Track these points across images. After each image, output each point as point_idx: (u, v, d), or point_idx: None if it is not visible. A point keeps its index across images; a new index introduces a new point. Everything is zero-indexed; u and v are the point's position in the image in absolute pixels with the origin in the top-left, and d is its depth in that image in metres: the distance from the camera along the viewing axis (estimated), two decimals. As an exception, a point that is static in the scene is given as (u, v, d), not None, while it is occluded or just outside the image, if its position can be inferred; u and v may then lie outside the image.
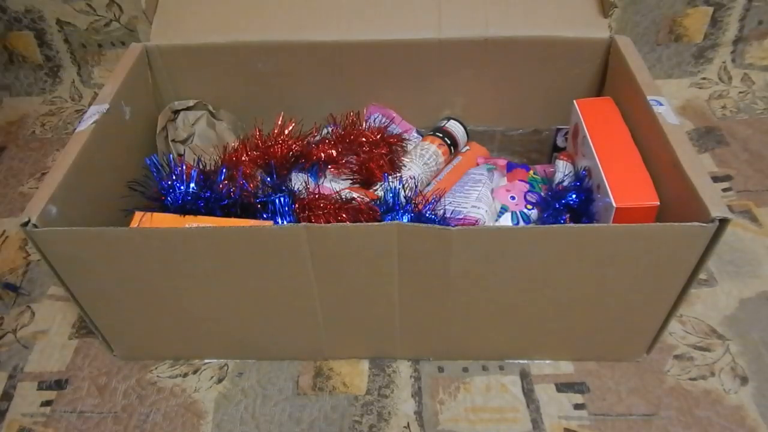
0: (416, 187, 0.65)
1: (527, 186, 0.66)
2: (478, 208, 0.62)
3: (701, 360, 0.60)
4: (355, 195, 0.58)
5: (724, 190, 0.79)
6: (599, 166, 0.56)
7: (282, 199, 0.56)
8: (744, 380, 0.58)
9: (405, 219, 0.54)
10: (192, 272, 0.52)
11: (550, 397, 0.58)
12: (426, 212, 0.56)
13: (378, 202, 0.56)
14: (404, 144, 0.69)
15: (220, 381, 0.61)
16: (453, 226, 0.47)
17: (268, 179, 0.59)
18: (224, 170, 0.58)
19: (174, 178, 0.56)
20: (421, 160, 0.68)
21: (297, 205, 0.57)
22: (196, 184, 0.57)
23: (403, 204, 0.55)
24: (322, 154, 0.64)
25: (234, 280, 0.53)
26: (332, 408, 0.58)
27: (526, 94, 0.72)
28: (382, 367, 0.62)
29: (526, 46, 0.68)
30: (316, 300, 0.54)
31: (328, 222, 0.55)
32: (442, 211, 0.58)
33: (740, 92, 0.93)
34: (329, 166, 0.65)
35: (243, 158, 0.62)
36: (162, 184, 0.57)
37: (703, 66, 0.95)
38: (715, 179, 0.80)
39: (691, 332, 0.63)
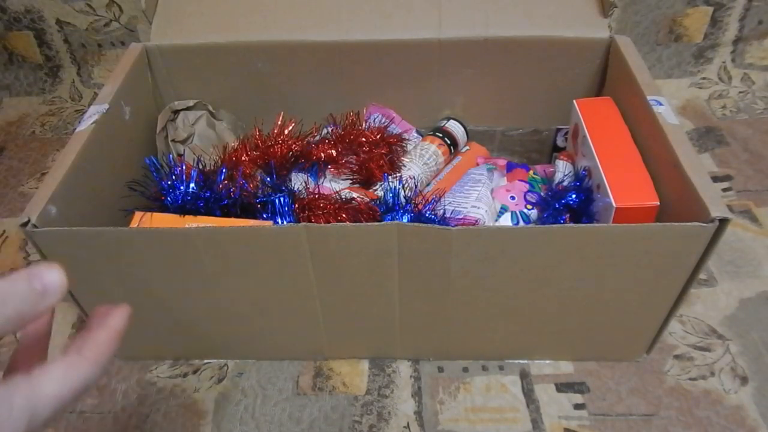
0: (416, 187, 0.65)
1: (527, 186, 0.66)
2: (478, 208, 0.62)
3: (701, 360, 0.60)
4: (355, 195, 0.58)
5: (724, 190, 0.79)
6: (599, 166, 0.56)
7: (282, 199, 0.56)
8: (744, 380, 0.58)
9: (405, 219, 0.54)
10: (192, 272, 0.52)
11: (550, 397, 0.58)
12: (426, 212, 0.56)
13: (378, 202, 0.56)
14: (404, 144, 0.69)
15: (220, 381, 0.61)
16: (453, 226, 0.47)
17: (268, 179, 0.59)
18: (224, 170, 0.58)
19: (174, 178, 0.56)
20: (421, 160, 0.68)
21: (297, 205, 0.57)
22: (195, 184, 0.57)
23: (403, 204, 0.55)
24: (322, 154, 0.64)
25: (234, 280, 0.53)
26: (332, 408, 0.58)
27: (526, 94, 0.72)
28: (382, 367, 0.62)
29: (526, 46, 0.68)
30: (316, 300, 0.54)
31: (328, 222, 0.55)
32: (442, 211, 0.58)
33: (740, 92, 0.93)
34: (329, 166, 0.65)
35: (243, 158, 0.62)
36: (162, 184, 0.57)
37: (703, 66, 0.95)
38: (715, 179, 0.80)
39: (691, 332, 0.63)
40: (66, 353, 0.28)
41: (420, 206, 0.56)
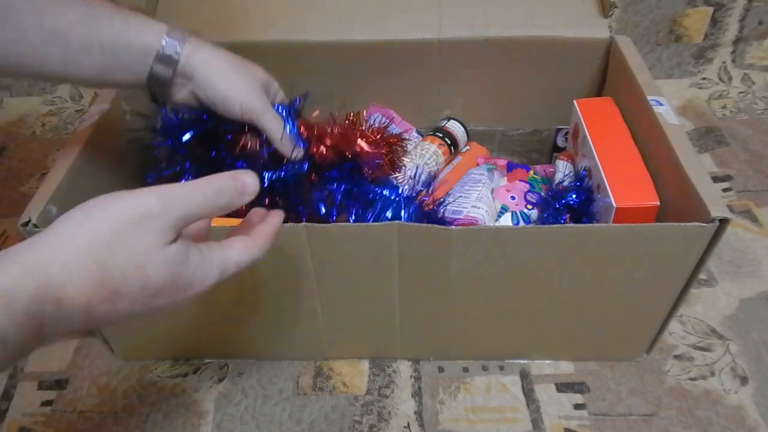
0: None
1: (527, 186, 0.66)
2: (478, 208, 0.62)
3: (701, 360, 0.60)
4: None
5: (724, 190, 0.79)
6: (599, 166, 0.56)
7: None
8: (744, 380, 0.58)
9: (404, 215, 0.54)
10: (192, 272, 0.52)
11: (550, 397, 0.58)
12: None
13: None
14: (404, 144, 0.69)
15: (220, 381, 0.61)
16: (453, 226, 0.47)
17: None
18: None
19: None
20: (421, 160, 0.68)
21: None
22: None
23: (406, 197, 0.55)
24: (323, 154, 0.64)
25: (234, 280, 0.52)
26: (332, 408, 0.58)
27: (526, 94, 0.72)
28: (382, 367, 0.62)
29: (526, 46, 0.68)
30: (316, 300, 0.54)
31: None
32: (442, 211, 0.58)
33: (740, 92, 0.93)
34: (329, 166, 0.65)
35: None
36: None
37: (703, 66, 0.95)
38: (715, 179, 0.80)
39: (691, 332, 0.63)
40: (237, 236, 0.36)
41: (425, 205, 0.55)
